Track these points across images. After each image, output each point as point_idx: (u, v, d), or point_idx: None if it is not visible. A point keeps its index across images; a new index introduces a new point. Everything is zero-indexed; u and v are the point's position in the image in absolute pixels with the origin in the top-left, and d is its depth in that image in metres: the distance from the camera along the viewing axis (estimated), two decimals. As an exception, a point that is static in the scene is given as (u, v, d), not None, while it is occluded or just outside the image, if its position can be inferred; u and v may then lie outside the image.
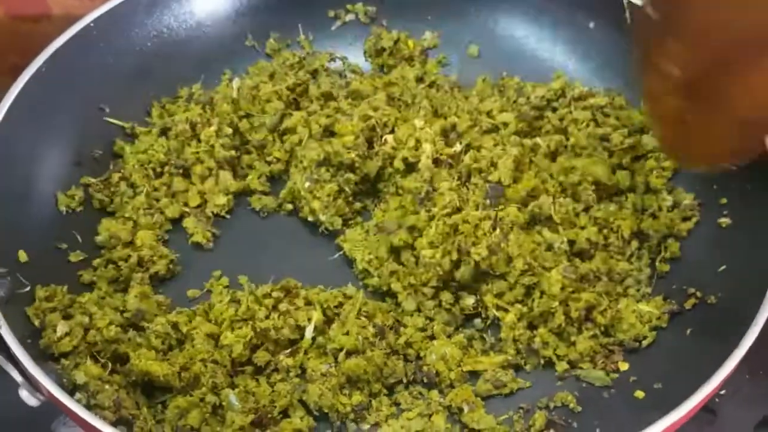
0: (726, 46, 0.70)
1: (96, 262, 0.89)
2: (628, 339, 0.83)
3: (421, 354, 0.83)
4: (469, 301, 0.84)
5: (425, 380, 0.82)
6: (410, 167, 0.91)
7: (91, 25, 0.95)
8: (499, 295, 0.84)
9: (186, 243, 0.92)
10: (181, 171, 0.95)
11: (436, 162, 0.90)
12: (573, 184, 0.88)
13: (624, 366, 0.82)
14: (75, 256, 0.89)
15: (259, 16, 1.06)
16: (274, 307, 0.83)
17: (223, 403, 0.78)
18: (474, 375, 0.83)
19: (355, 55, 1.07)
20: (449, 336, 0.84)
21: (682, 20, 0.72)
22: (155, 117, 1.00)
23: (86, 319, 0.81)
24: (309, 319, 0.82)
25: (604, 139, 0.91)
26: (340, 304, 0.84)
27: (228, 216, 0.95)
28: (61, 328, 0.79)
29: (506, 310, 0.83)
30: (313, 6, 1.07)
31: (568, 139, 0.92)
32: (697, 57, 0.72)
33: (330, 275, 0.89)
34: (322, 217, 0.91)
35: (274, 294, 0.83)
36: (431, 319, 0.85)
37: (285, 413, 0.79)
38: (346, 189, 0.91)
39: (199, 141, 0.95)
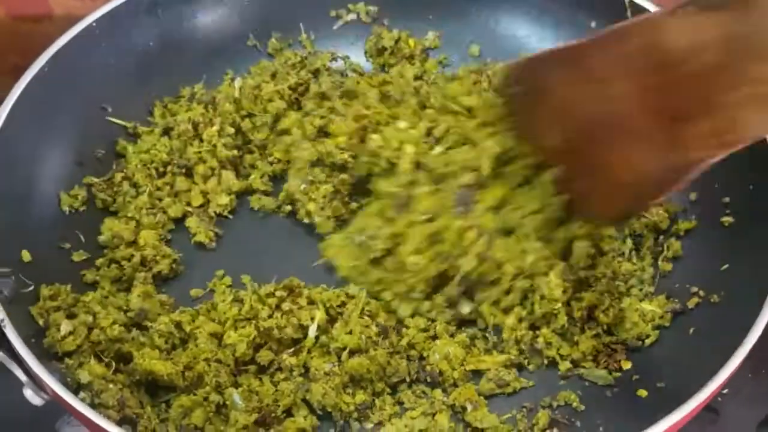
0: (586, 125, 0.72)
1: (99, 261, 0.89)
2: (631, 338, 0.83)
3: (424, 354, 0.83)
4: (466, 309, 0.84)
5: (428, 379, 0.82)
6: (393, 169, 0.89)
7: (93, 25, 0.95)
8: (496, 303, 0.84)
9: (189, 242, 0.92)
10: (183, 171, 0.95)
11: (418, 165, 0.87)
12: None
13: (627, 365, 0.82)
14: (78, 256, 0.89)
15: (260, 15, 1.05)
16: (277, 307, 0.82)
17: (227, 402, 0.78)
18: (477, 374, 0.83)
19: (356, 55, 1.07)
20: (452, 335, 0.84)
21: (546, 97, 0.75)
22: (157, 117, 1.00)
23: (90, 319, 0.81)
24: (312, 319, 0.82)
25: None
26: (343, 304, 0.84)
27: (230, 216, 0.95)
28: (65, 327, 0.79)
29: (506, 314, 0.84)
30: (315, 5, 1.07)
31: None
32: (566, 129, 0.75)
33: (332, 275, 0.88)
34: (317, 219, 0.91)
35: (277, 293, 0.83)
36: (433, 320, 0.85)
37: (288, 412, 0.79)
38: (342, 190, 0.91)
39: (201, 141, 0.95)
